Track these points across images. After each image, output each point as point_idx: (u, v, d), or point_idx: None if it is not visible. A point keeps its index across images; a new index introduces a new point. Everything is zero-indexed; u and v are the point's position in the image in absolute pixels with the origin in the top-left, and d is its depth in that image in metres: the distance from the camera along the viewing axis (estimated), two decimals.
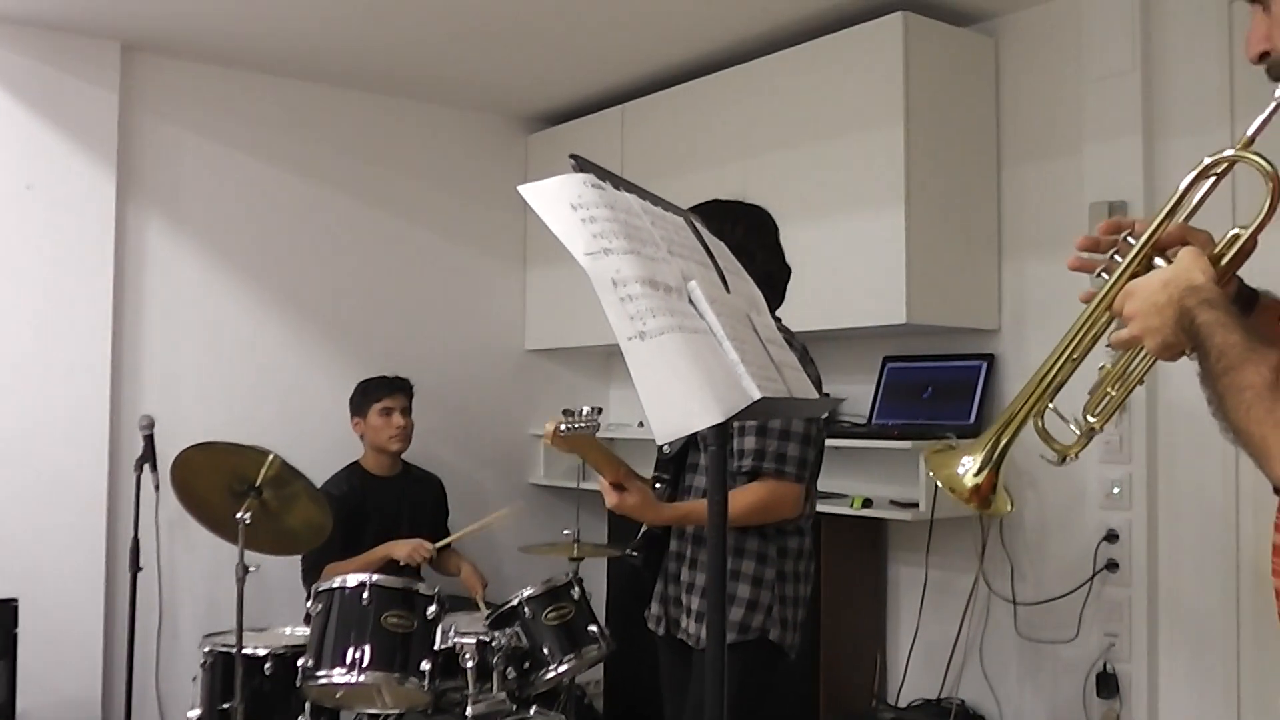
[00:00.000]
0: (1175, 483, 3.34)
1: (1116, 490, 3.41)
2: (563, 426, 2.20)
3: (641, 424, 4.88)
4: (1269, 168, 1.36)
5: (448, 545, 4.14)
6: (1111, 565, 3.43)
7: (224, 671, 3.35)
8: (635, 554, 2.75)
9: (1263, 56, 1.37)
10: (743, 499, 2.54)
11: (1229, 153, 1.39)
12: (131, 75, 4.31)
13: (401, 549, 3.96)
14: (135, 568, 3.94)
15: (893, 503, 3.80)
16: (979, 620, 3.81)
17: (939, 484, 1.50)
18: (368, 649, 3.13)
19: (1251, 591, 3.16)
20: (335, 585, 3.24)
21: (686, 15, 3.91)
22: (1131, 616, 3.39)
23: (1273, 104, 1.35)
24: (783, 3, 3.77)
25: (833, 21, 3.84)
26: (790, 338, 2.61)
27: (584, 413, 2.22)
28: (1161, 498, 3.37)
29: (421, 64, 4.51)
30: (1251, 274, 1.49)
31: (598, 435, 2.31)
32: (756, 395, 1.34)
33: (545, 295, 5.19)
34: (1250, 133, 1.37)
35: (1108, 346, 1.45)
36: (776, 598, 2.60)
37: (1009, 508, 1.50)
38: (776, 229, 2.80)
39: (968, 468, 1.48)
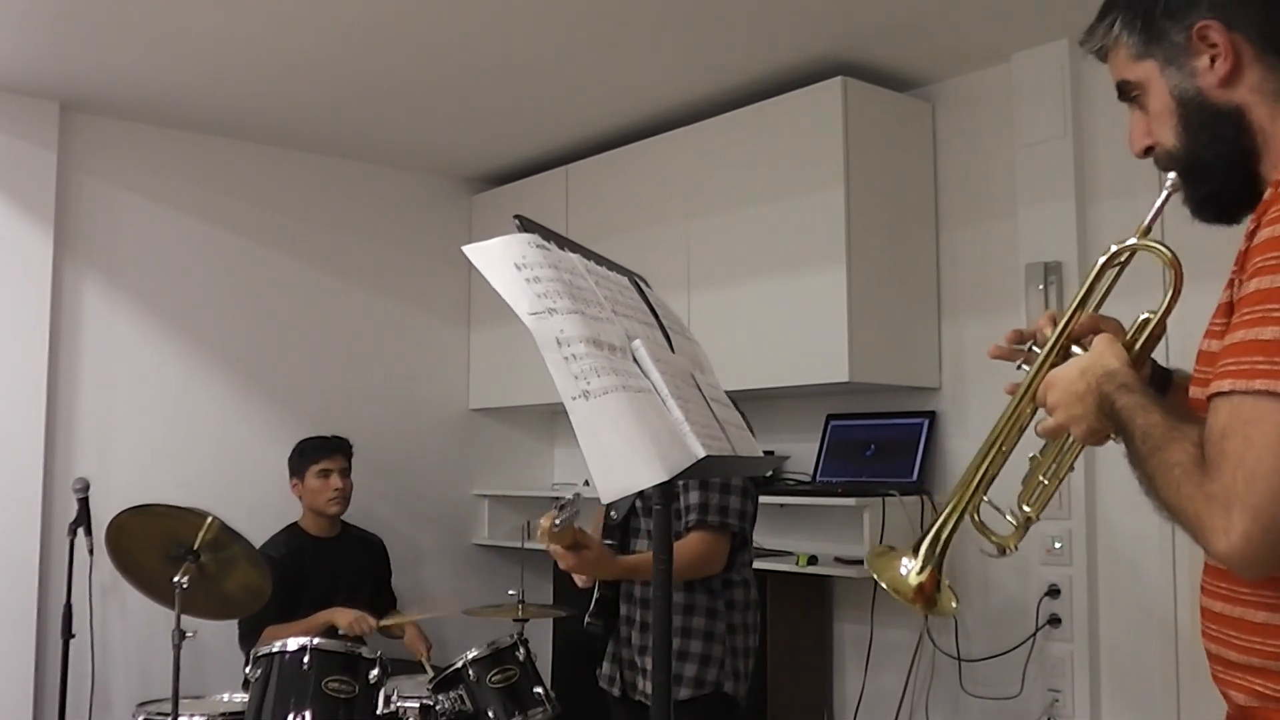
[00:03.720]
0: (1114, 537, 3.38)
1: (1058, 545, 3.45)
2: (557, 522, 2.23)
3: (587, 483, 4.86)
4: (1169, 255, 1.43)
5: (390, 623, 4.06)
6: (1054, 620, 3.46)
7: None
8: (597, 621, 2.75)
9: (1147, 151, 1.44)
10: (684, 551, 2.56)
11: (1131, 242, 1.47)
12: (70, 135, 4.27)
13: (344, 618, 3.86)
14: (67, 635, 3.83)
15: (837, 559, 3.81)
16: (924, 677, 3.81)
17: (883, 586, 1.51)
18: (308, 715, 3.07)
19: (1190, 646, 3.20)
20: (275, 650, 3.18)
21: (630, 78, 3.96)
22: (1074, 672, 3.41)
23: (1164, 193, 1.42)
24: (725, 67, 3.84)
25: (774, 86, 3.91)
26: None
27: (567, 502, 2.25)
28: (1101, 552, 3.41)
29: (364, 125, 4.51)
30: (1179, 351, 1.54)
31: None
32: (701, 454, 1.35)
33: (489, 354, 5.18)
34: (1147, 221, 1.46)
35: (1037, 435, 1.50)
36: (728, 650, 2.64)
37: (954, 605, 1.52)
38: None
39: (909, 568, 1.50)
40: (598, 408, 1.29)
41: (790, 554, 3.89)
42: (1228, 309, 1.27)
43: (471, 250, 1.36)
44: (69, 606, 3.84)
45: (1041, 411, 1.47)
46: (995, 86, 3.74)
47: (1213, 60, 1.35)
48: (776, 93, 3.89)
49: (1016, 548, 1.55)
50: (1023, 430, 1.51)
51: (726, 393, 2.69)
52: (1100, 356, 1.39)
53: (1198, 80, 1.36)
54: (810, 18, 3.42)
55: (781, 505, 3.99)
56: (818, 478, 4.01)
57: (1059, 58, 3.52)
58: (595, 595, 2.76)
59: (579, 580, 2.78)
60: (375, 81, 4.00)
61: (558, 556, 2.48)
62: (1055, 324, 1.52)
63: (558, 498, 2.28)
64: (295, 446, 4.29)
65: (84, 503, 3.87)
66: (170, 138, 4.53)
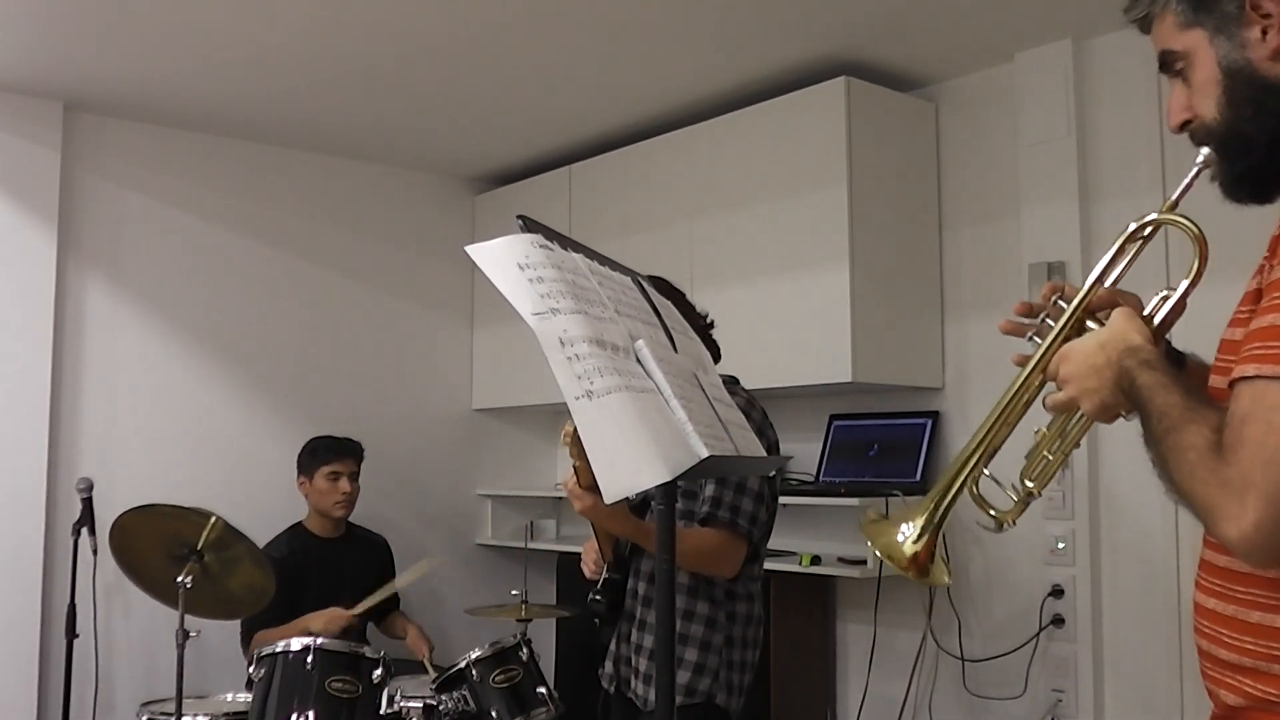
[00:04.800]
0: (1117, 537, 3.38)
1: (1061, 546, 3.44)
2: None
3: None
4: (1194, 229, 1.39)
5: (366, 611, 3.95)
6: (1057, 620, 3.46)
7: None
8: (600, 599, 2.72)
9: (1184, 125, 1.40)
10: (693, 538, 2.53)
11: (1154, 216, 1.43)
12: (74, 135, 4.28)
13: (317, 622, 3.78)
14: (71, 635, 3.84)
15: (840, 560, 3.81)
16: (928, 677, 3.81)
17: (877, 552, 1.49)
18: (311, 715, 3.07)
19: (1193, 645, 3.19)
20: (278, 649, 3.18)
21: (633, 79, 3.96)
22: (1078, 672, 3.41)
23: (1195, 168, 1.38)
24: (728, 67, 3.84)
25: (777, 86, 3.91)
26: (751, 403, 2.63)
27: None
28: (1104, 553, 3.41)
29: (368, 125, 4.52)
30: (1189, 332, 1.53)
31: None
32: (704, 454, 1.35)
33: (492, 354, 5.18)
34: (1175, 196, 1.41)
35: (1045, 409, 1.47)
36: (724, 662, 2.59)
37: (946, 579, 1.49)
38: (683, 292, 2.82)
39: (906, 535, 1.47)
40: (601, 408, 1.28)
41: (793, 554, 3.89)
42: (1255, 295, 1.25)
43: (475, 250, 1.36)
44: (73, 606, 3.85)
45: (1051, 385, 1.43)
46: (998, 86, 3.74)
47: (1265, 32, 1.31)
48: (779, 93, 3.89)
49: (1015, 523, 1.51)
50: (1029, 404, 1.47)
51: (749, 390, 2.71)
52: (1122, 331, 1.35)
53: (1248, 52, 1.32)
54: (813, 18, 3.42)
55: (785, 505, 3.97)
56: (821, 478, 4.01)
57: (1062, 57, 3.51)
58: (604, 576, 2.74)
59: (587, 569, 2.76)
60: (379, 82, 4.00)
61: (573, 496, 2.40)
62: (1061, 295, 1.49)
63: None
64: (307, 444, 4.28)
65: (88, 502, 3.87)
66: (174, 137, 4.53)
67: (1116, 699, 3.37)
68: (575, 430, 2.18)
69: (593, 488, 2.38)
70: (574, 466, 2.39)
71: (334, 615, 3.84)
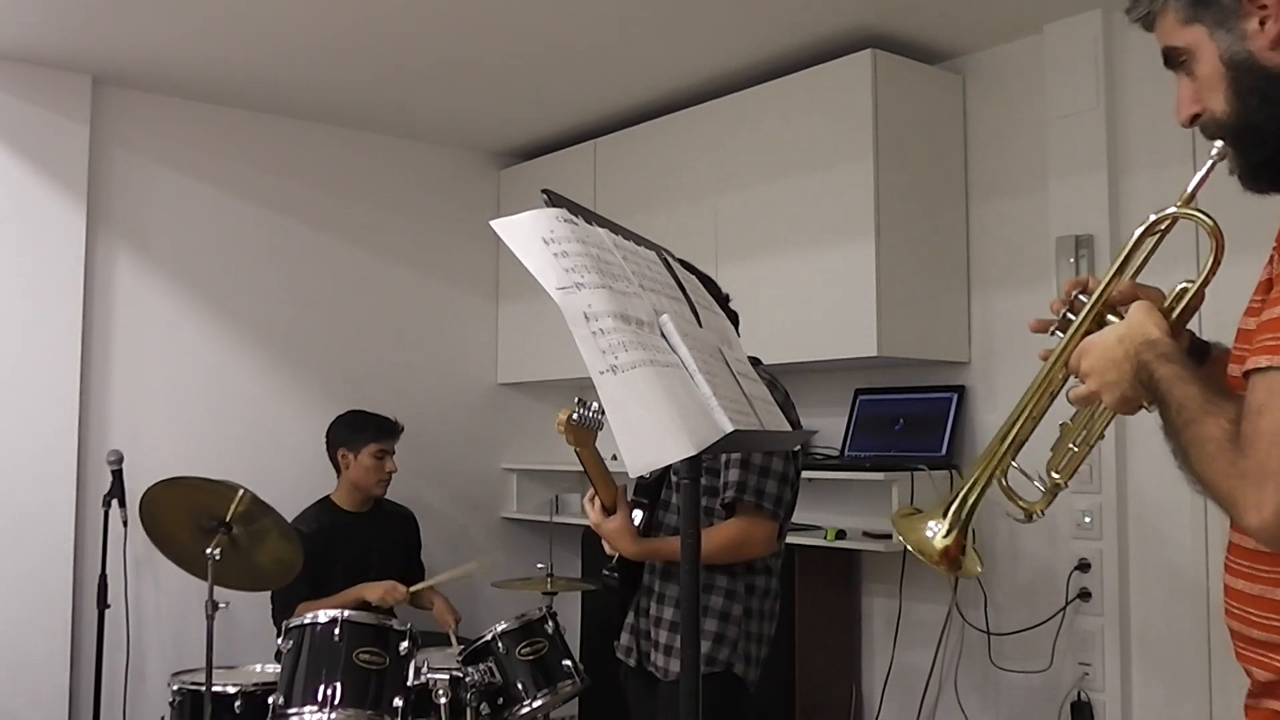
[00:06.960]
0: (1144, 511, 3.37)
1: (1087, 520, 3.43)
2: (574, 415, 2.29)
3: (615, 457, 4.87)
4: (1210, 223, 1.39)
5: (421, 589, 4.09)
6: (1084, 594, 3.45)
7: (193, 710, 3.32)
8: (614, 573, 2.75)
9: (1194, 119, 1.39)
10: (718, 535, 2.58)
11: (1171, 210, 1.42)
12: (102, 109, 4.30)
13: (374, 591, 3.90)
14: (103, 605, 3.89)
15: (866, 534, 3.81)
16: (953, 651, 3.81)
17: (909, 548, 1.51)
18: (339, 686, 3.10)
19: (1221, 619, 3.18)
20: (306, 622, 3.22)
21: (659, 52, 3.94)
22: (1104, 645, 3.41)
23: (1209, 160, 1.38)
24: (754, 40, 3.81)
25: (803, 59, 3.88)
26: (774, 383, 2.64)
27: (594, 407, 2.29)
28: (1131, 527, 3.39)
29: (393, 99, 4.52)
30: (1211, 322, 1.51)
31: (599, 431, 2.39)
32: (728, 428, 1.35)
33: (517, 329, 5.19)
34: (1190, 189, 1.41)
35: (1069, 402, 1.47)
36: (742, 633, 2.63)
37: (978, 569, 1.51)
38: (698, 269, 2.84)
39: (936, 531, 1.49)
40: (625, 382, 1.29)
41: (819, 528, 3.90)
42: (1267, 286, 1.25)
43: (499, 225, 1.36)
44: (104, 577, 3.90)
45: (1074, 378, 1.44)
46: (1026, 58, 3.70)
47: (1263, 22, 1.30)
48: (805, 65, 3.86)
49: (1043, 513, 1.54)
50: (1054, 396, 1.49)
51: (767, 366, 2.72)
52: (1140, 324, 1.36)
53: (1248, 43, 1.31)
54: None
55: (810, 479, 3.98)
56: (846, 452, 4.01)
57: (1091, 29, 3.47)
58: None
59: (608, 548, 2.79)
60: (404, 57, 4.00)
61: (590, 509, 2.53)
62: (1084, 289, 1.49)
63: (579, 400, 2.32)
64: (349, 417, 4.29)
65: (118, 474, 3.92)
66: (202, 112, 4.55)
67: (1143, 672, 3.37)
68: (570, 418, 2.30)
69: (609, 509, 2.60)
70: (593, 490, 2.57)
71: (391, 588, 3.90)
